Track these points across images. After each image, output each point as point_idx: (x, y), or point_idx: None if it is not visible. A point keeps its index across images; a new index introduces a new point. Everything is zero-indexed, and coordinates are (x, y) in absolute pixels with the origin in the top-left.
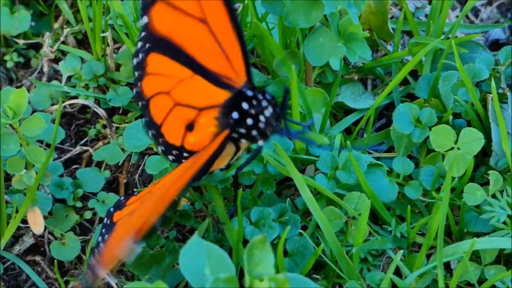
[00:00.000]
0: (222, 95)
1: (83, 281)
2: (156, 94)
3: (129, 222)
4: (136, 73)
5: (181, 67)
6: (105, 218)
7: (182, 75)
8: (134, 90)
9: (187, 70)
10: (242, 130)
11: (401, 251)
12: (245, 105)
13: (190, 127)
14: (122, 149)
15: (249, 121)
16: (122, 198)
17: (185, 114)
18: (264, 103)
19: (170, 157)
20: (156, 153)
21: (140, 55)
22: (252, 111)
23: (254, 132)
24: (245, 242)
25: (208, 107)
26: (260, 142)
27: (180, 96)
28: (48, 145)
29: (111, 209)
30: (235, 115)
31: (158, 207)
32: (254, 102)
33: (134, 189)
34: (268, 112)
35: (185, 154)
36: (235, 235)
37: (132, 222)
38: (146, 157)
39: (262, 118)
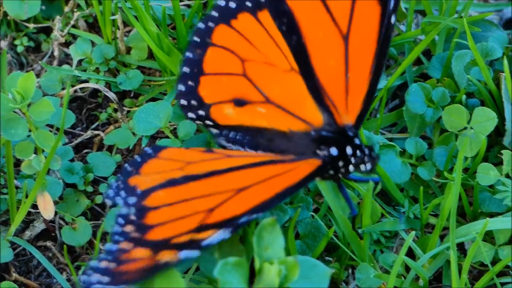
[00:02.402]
0: (312, 114)
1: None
2: (225, 48)
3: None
4: (216, 14)
5: (279, 53)
6: (120, 177)
7: (274, 60)
8: (199, 24)
9: (287, 61)
10: (329, 167)
11: (413, 232)
12: (349, 150)
13: (239, 103)
14: (133, 133)
15: (340, 163)
16: (139, 158)
17: (245, 90)
18: (367, 159)
19: (190, 114)
20: (167, 137)
21: (233, 4)
22: (352, 160)
23: (331, 172)
24: None
25: (283, 108)
26: (319, 178)
27: (255, 74)
28: (58, 130)
29: (127, 166)
30: (334, 151)
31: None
32: (359, 153)
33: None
34: (364, 167)
35: (201, 113)
36: None
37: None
38: (157, 140)
39: (351, 168)
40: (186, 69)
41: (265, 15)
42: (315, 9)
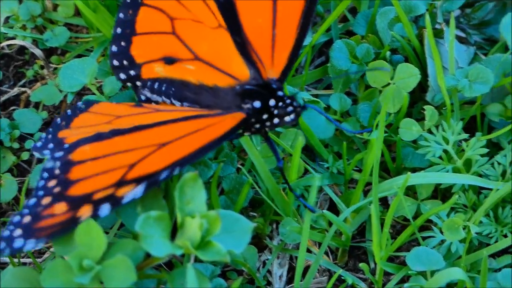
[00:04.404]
0: (238, 69)
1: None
2: (155, 8)
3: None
4: None
5: (207, 10)
6: (50, 130)
7: (202, 18)
8: None
9: (214, 18)
10: (253, 120)
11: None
12: (272, 102)
13: (169, 60)
14: (60, 90)
15: (264, 116)
16: (69, 112)
17: (175, 48)
18: (290, 109)
19: (122, 75)
20: (93, 93)
21: None
22: (275, 111)
23: (256, 126)
24: None
25: (211, 64)
26: (246, 133)
27: (184, 31)
28: None
29: (58, 119)
30: (257, 104)
31: (159, 161)
32: (281, 103)
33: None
34: (289, 118)
35: (132, 73)
36: None
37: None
38: (83, 97)
39: (276, 120)
40: (118, 30)
41: None
42: None
